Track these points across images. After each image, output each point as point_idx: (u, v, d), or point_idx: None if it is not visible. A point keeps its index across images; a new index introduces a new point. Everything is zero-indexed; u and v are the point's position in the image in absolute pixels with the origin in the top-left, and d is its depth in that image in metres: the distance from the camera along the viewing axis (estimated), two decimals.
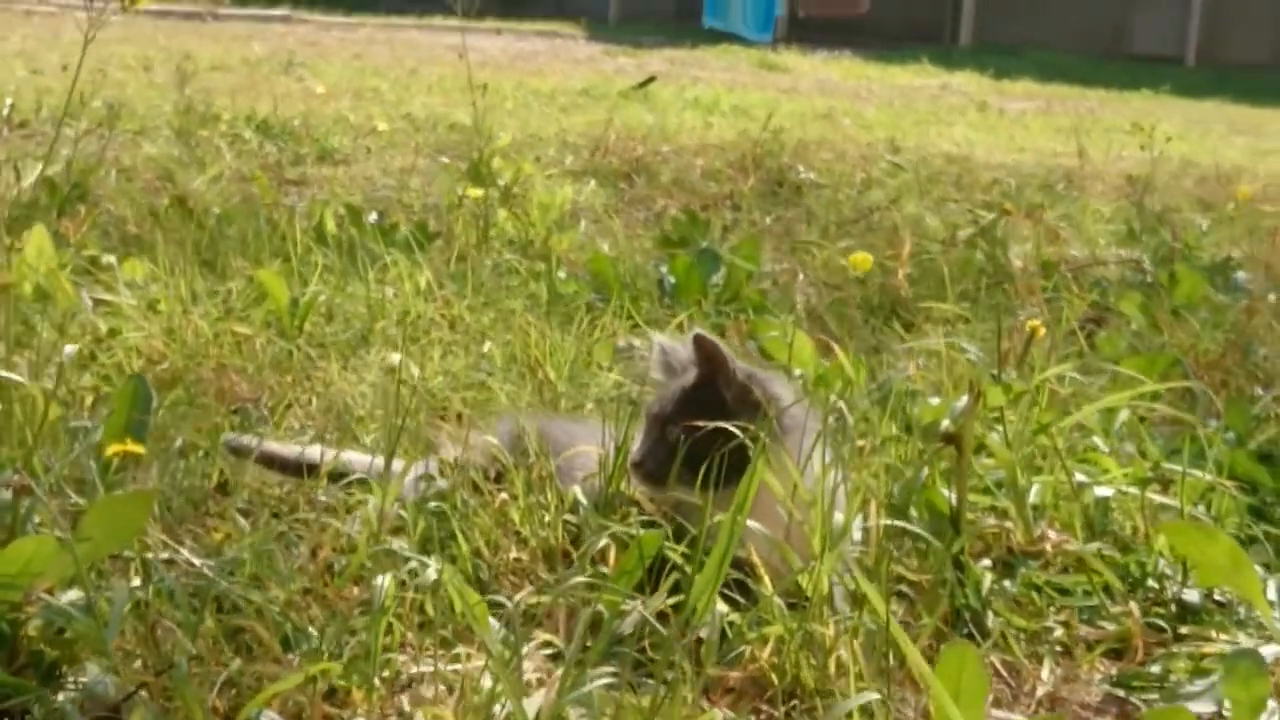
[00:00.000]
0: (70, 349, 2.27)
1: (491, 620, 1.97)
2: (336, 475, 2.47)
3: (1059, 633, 2.21)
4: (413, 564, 2.03)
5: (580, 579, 2.01)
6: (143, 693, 1.77)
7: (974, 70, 15.81)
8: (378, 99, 9.01)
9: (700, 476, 2.10)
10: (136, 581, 1.94)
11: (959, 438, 2.27)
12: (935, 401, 2.50)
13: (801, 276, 4.20)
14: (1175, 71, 16.70)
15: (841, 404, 2.25)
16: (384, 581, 1.89)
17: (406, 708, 1.83)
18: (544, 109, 9.27)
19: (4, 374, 1.82)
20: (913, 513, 2.31)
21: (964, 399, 2.30)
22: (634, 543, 2.01)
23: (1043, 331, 2.56)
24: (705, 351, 2.23)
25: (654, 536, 2.01)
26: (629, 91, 10.64)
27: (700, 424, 2.14)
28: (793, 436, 2.18)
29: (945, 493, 2.33)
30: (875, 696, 1.58)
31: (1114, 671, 2.14)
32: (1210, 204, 6.21)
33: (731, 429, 2.11)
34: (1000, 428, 2.50)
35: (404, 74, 11.03)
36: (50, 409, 1.90)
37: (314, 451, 2.52)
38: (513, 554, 2.28)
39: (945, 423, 2.30)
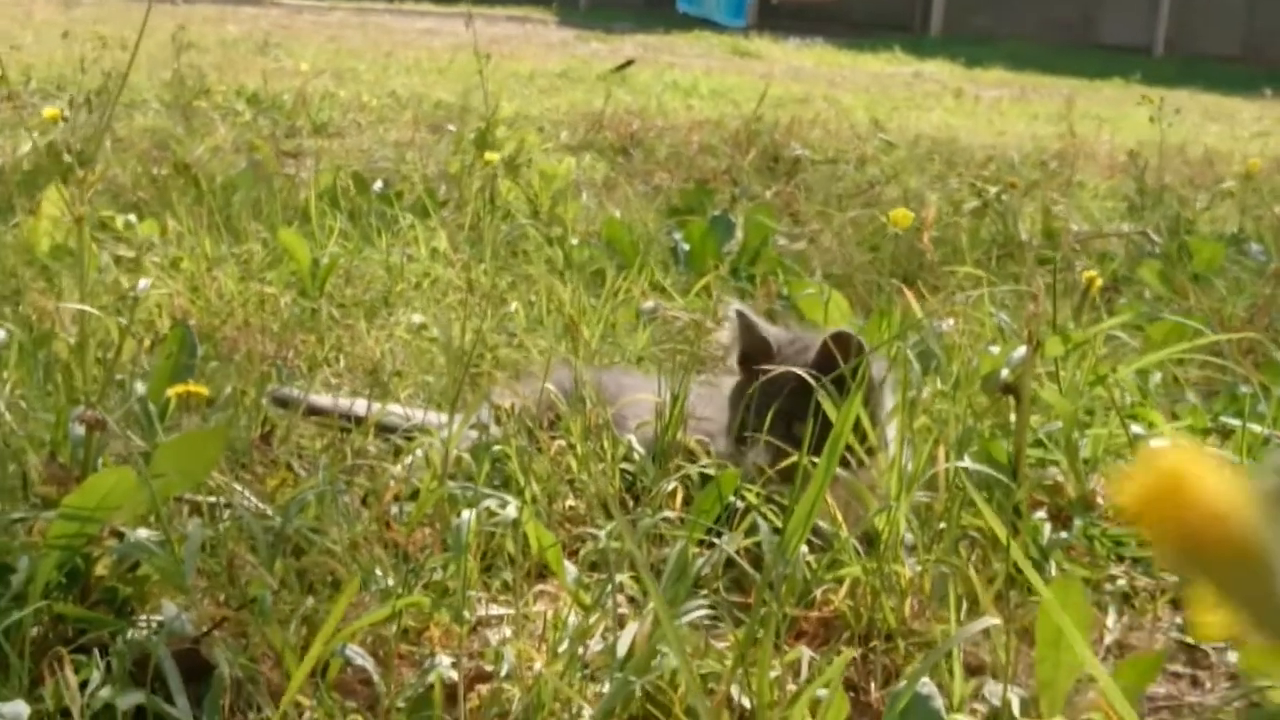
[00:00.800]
0: (145, 282, 2.23)
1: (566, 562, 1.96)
2: (384, 427, 2.45)
3: (1121, 582, 2.20)
4: (488, 503, 2.00)
5: (665, 515, 1.99)
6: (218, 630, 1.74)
7: (945, 59, 15.85)
8: (357, 79, 8.97)
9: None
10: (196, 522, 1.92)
11: (1018, 388, 2.26)
12: (994, 350, 2.49)
13: (826, 240, 4.19)
14: (1144, 62, 16.75)
15: (908, 351, 2.23)
16: (469, 517, 1.87)
17: (492, 643, 1.81)
18: (524, 91, 9.25)
19: (82, 307, 1.78)
20: (968, 464, 2.29)
21: (1022, 349, 2.29)
22: (712, 481, 1.99)
23: (1099, 282, 2.55)
24: (850, 351, 2.16)
25: (732, 475, 1.99)
26: (607, 74, 10.61)
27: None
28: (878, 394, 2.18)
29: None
30: (995, 622, 1.56)
31: (1178, 620, 2.13)
32: (1200, 184, 6.23)
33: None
34: (1050, 382, 2.49)
35: (380, 56, 10.99)
36: (126, 344, 1.86)
37: (361, 404, 2.50)
38: (569, 502, 2.26)
39: (1004, 373, 2.29)
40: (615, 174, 5.35)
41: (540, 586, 1.99)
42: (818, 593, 1.98)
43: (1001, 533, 1.71)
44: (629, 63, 11.36)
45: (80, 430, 1.82)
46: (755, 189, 5.23)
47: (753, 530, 1.95)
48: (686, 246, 3.99)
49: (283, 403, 2.50)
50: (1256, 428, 2.43)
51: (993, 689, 1.64)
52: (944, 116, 9.82)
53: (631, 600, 1.93)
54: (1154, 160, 5.51)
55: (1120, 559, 2.29)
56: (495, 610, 1.95)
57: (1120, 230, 4.60)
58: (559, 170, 4.70)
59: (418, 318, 3.26)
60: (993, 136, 8.30)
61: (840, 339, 2.16)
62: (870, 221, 4.46)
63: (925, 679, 1.44)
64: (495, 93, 8.47)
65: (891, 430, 2.14)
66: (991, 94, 12.39)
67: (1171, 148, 7.46)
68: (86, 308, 1.77)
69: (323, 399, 2.55)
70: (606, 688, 1.68)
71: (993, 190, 4.78)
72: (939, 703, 1.44)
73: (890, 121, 8.46)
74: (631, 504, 2.24)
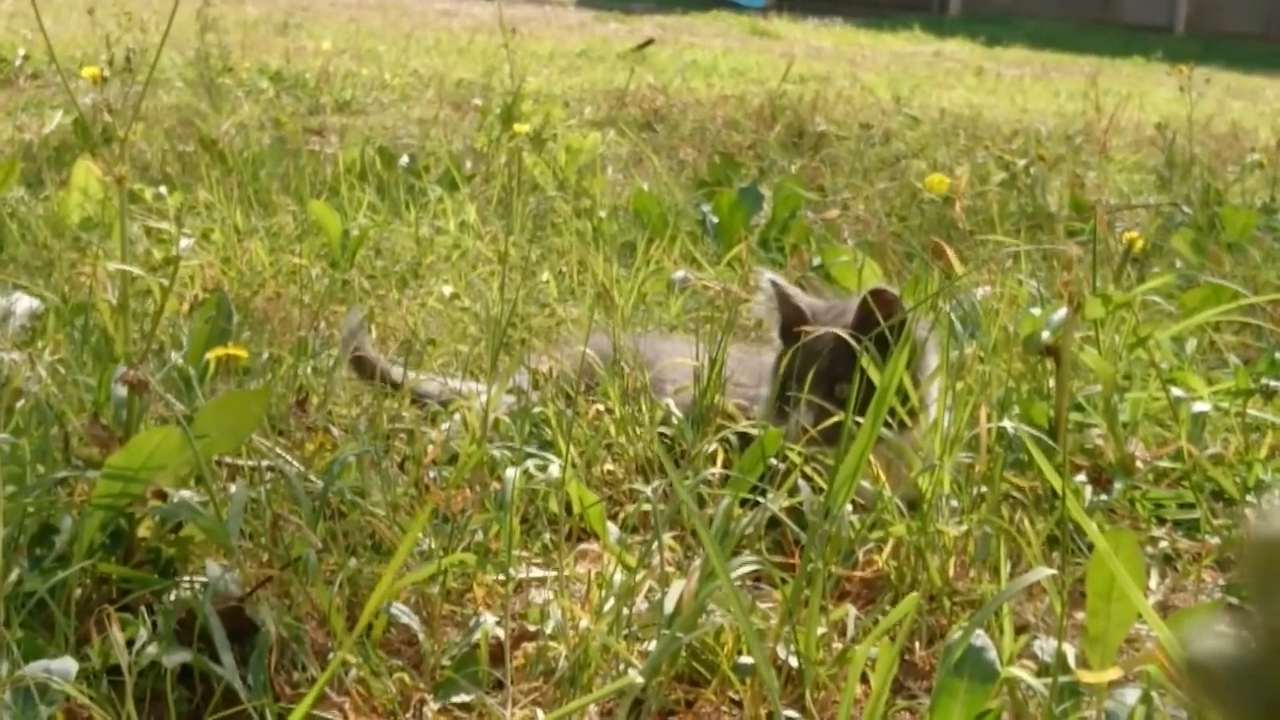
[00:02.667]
0: (186, 242, 2.22)
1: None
2: (419, 394, 2.45)
3: (1164, 544, 2.19)
4: (530, 464, 1.99)
5: (706, 475, 1.99)
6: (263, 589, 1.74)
7: (965, 38, 15.79)
8: (378, 59, 8.96)
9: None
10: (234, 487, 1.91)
11: (1058, 350, 2.24)
12: (1035, 312, 2.48)
13: (857, 210, 4.18)
14: (1165, 40, 16.69)
15: (951, 315, 2.22)
16: (514, 474, 1.86)
17: (535, 604, 1.81)
18: (544, 70, 9.23)
19: (124, 266, 1.78)
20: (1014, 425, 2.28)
21: (1061, 311, 2.28)
22: (755, 441, 1.99)
23: (1140, 243, 2.54)
24: (889, 307, 2.15)
25: (775, 435, 1.98)
26: (627, 54, 10.59)
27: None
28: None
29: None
30: (1050, 572, 1.55)
31: (1222, 581, 2.12)
32: (1227, 158, 6.20)
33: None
34: (1089, 346, 2.48)
35: (400, 37, 10.97)
36: (168, 303, 1.86)
37: (398, 370, 2.49)
38: (607, 466, 2.25)
39: (1044, 334, 2.27)
40: (641, 149, 5.33)
41: (581, 547, 1.99)
42: (861, 553, 1.97)
43: (1058, 483, 1.70)
44: (648, 42, 11.34)
45: (123, 391, 1.82)
46: (781, 163, 5.22)
47: (795, 491, 1.94)
48: (715, 218, 3.97)
49: (359, 365, 2.51)
50: None
51: (1043, 644, 1.63)
52: (966, 94, 9.78)
53: (675, 563, 1.92)
54: (1181, 134, 5.48)
55: (1161, 521, 2.28)
56: (536, 572, 1.94)
57: (1151, 202, 4.58)
58: (585, 144, 4.69)
59: (448, 288, 3.26)
60: (1016, 113, 8.27)
61: (879, 296, 2.15)
62: (899, 193, 4.44)
63: (979, 632, 1.43)
64: (518, 70, 8.48)
65: (934, 390, 2.13)
66: (1013, 72, 12.34)
67: (1196, 123, 7.43)
68: (128, 267, 1.76)
69: (370, 353, 2.55)
70: (652, 646, 1.67)
71: (1020, 163, 4.76)
72: (993, 654, 1.43)
73: (912, 99, 8.42)
74: (675, 468, 2.23)
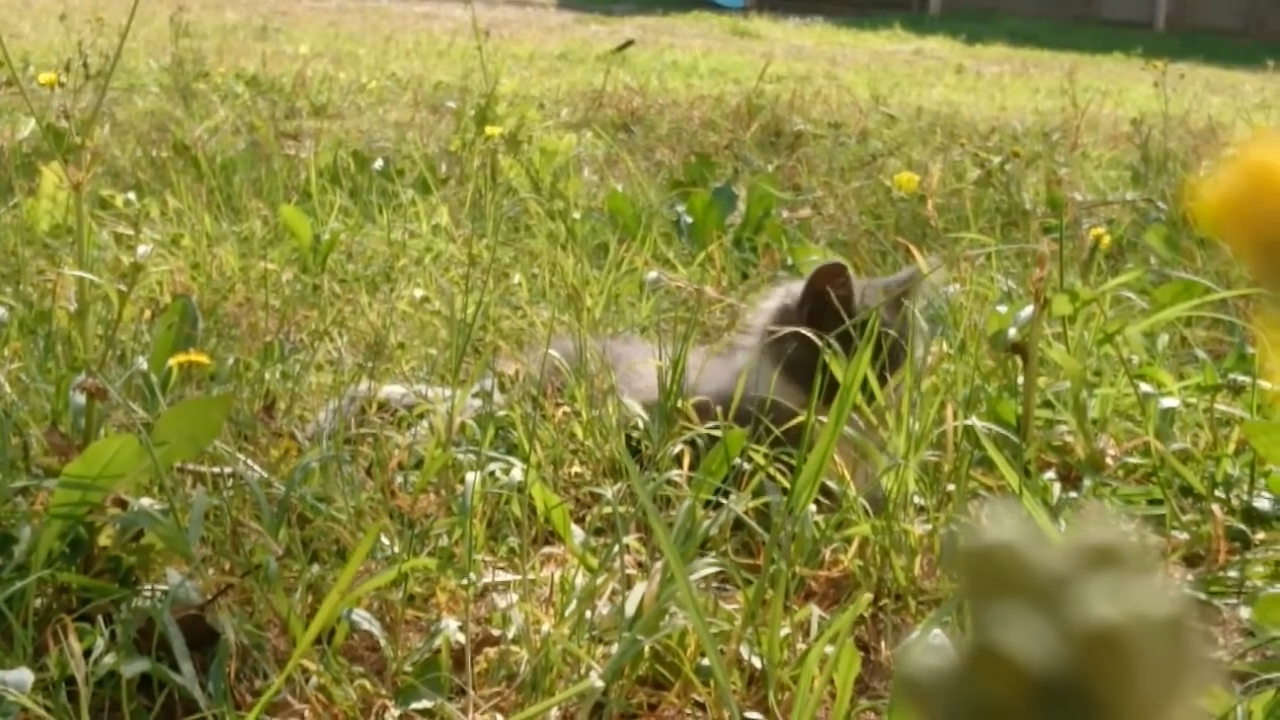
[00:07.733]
0: (144, 249, 2.21)
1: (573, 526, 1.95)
2: (381, 404, 2.43)
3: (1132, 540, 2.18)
4: (493, 467, 1.99)
5: (670, 476, 1.98)
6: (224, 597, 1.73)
7: (946, 36, 15.82)
8: (356, 62, 8.95)
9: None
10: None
11: (1025, 347, 2.24)
12: (1002, 309, 2.47)
13: (830, 208, 4.17)
14: (1145, 36, 16.72)
15: (916, 312, 2.21)
16: (474, 479, 1.85)
17: (499, 607, 1.80)
18: (524, 71, 9.22)
19: (81, 274, 1.77)
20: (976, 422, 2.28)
21: (1029, 308, 2.27)
22: (719, 442, 1.98)
23: (1107, 240, 2.53)
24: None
25: (739, 436, 1.98)
26: (607, 55, 10.59)
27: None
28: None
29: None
30: None
31: (1190, 577, 2.12)
32: (1203, 153, 6.21)
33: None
34: (1057, 343, 2.48)
35: (379, 40, 10.97)
36: (125, 310, 1.85)
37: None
38: (574, 468, 2.25)
39: (1011, 332, 2.27)
40: (616, 150, 5.32)
41: (546, 550, 1.98)
42: (826, 552, 1.96)
43: (1014, 480, 1.70)
44: (628, 43, 11.34)
45: (81, 399, 1.80)
46: (757, 163, 5.21)
47: (760, 492, 1.93)
48: (689, 219, 3.97)
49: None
50: (1266, 385, 2.41)
51: None
52: (945, 92, 9.79)
53: (639, 565, 1.92)
54: (1157, 130, 5.49)
55: (1130, 517, 2.27)
56: (501, 576, 1.94)
57: (1125, 198, 4.58)
58: (560, 146, 4.68)
59: (419, 292, 3.25)
60: (995, 110, 8.27)
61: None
62: (874, 192, 4.44)
63: (937, 631, 1.42)
64: (495, 72, 8.47)
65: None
66: (992, 70, 12.36)
67: (1174, 119, 7.43)
68: (86, 274, 1.76)
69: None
70: (615, 649, 1.66)
71: (996, 160, 4.76)
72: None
73: (891, 97, 8.43)
74: (637, 469, 2.22)
